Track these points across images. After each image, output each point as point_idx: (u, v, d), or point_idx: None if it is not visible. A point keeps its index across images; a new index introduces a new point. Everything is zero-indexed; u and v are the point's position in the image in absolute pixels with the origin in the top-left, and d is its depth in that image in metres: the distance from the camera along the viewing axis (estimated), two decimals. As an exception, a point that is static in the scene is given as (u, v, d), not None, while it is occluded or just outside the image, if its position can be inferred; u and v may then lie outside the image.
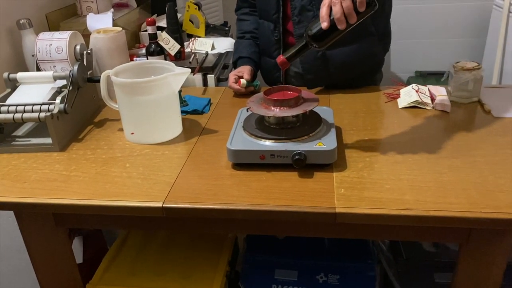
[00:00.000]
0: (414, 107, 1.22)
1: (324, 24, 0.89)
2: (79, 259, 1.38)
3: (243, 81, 1.34)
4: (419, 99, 1.21)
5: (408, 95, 1.25)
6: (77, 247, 1.40)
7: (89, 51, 1.27)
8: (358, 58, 1.33)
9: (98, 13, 1.69)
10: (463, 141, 1.03)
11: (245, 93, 1.37)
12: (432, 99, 1.23)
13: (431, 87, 1.27)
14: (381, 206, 0.82)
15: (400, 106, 1.23)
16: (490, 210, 0.79)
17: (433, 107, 1.21)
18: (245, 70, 1.39)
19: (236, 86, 1.36)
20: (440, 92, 1.24)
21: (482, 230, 0.86)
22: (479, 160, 0.95)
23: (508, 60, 2.31)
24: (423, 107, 1.21)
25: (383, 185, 0.88)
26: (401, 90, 1.29)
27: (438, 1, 2.59)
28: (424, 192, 0.85)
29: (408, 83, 2.62)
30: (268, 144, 0.96)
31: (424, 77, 2.70)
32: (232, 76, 1.38)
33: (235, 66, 1.48)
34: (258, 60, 1.47)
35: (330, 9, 0.88)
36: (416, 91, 1.24)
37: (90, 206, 0.89)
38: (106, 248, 1.50)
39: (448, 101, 1.20)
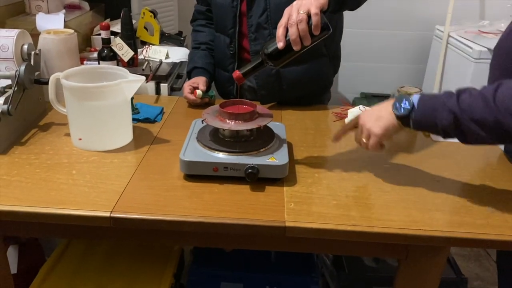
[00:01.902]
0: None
1: (280, 44, 0.92)
2: (13, 269, 1.30)
3: (198, 91, 1.34)
4: (366, 120, 1.27)
5: (355, 115, 1.31)
6: (12, 256, 1.32)
7: (37, 52, 1.22)
8: (309, 77, 1.38)
9: (49, 13, 1.63)
10: (405, 162, 1.09)
11: (200, 104, 1.37)
12: (378, 121, 1.29)
13: (377, 109, 1.34)
14: (329, 221, 0.85)
15: (347, 126, 1.29)
16: (428, 227, 0.84)
17: (378, 128, 1.27)
18: (200, 81, 1.39)
19: (191, 97, 1.35)
20: (385, 114, 1.30)
21: (420, 247, 0.91)
22: (419, 180, 1.01)
23: (446, 86, 2.48)
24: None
25: (331, 201, 0.91)
26: (348, 110, 1.35)
27: (385, 28, 2.74)
28: (368, 209, 0.89)
29: (353, 103, 2.74)
30: (221, 156, 0.96)
31: (369, 99, 2.82)
32: (187, 86, 1.38)
33: (189, 76, 1.48)
34: (213, 71, 1.48)
35: (287, 30, 0.91)
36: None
37: (33, 213, 0.85)
38: (43, 258, 1.43)
39: (392, 123, 1.26)
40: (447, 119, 0.82)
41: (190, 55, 1.52)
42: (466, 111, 0.81)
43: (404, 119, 0.88)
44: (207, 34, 1.50)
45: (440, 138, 1.22)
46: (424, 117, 0.86)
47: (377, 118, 0.92)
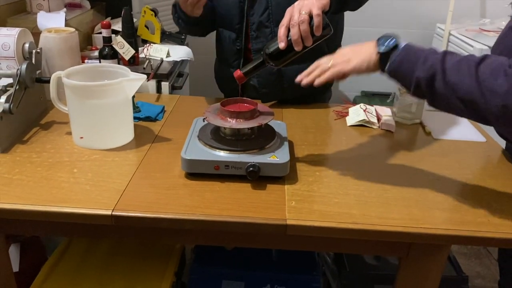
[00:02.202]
0: (361, 125, 1.28)
1: (282, 44, 0.92)
2: (15, 267, 1.31)
3: None
4: (366, 118, 1.27)
5: (356, 114, 1.31)
6: (13, 254, 1.32)
7: (38, 50, 1.22)
8: (311, 76, 1.38)
9: (50, 11, 1.63)
10: (406, 160, 1.09)
11: (201, 106, 1.35)
12: (378, 119, 1.29)
13: (378, 108, 1.34)
14: (330, 219, 0.85)
15: (348, 124, 1.29)
16: (428, 226, 0.84)
17: (379, 127, 1.27)
18: None
19: None
20: (386, 113, 1.30)
21: (421, 245, 0.91)
22: (420, 178, 1.01)
23: (446, 86, 2.47)
24: (370, 126, 1.27)
25: (332, 199, 0.91)
26: (349, 109, 1.35)
27: (386, 26, 2.73)
28: (369, 207, 0.89)
29: (354, 102, 2.73)
30: (222, 154, 0.96)
31: (369, 97, 2.82)
32: None
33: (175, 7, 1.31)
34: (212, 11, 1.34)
35: (288, 30, 0.92)
36: (364, 111, 1.31)
37: (35, 211, 0.85)
38: (45, 257, 1.43)
39: (393, 122, 1.26)
40: (425, 72, 0.80)
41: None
42: (446, 72, 0.79)
43: (383, 57, 0.85)
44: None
45: (440, 135, 1.23)
46: (403, 62, 0.83)
47: (357, 49, 0.90)
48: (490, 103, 0.75)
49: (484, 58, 0.79)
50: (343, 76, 0.91)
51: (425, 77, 0.81)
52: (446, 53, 0.82)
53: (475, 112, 0.79)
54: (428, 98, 0.83)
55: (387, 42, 0.86)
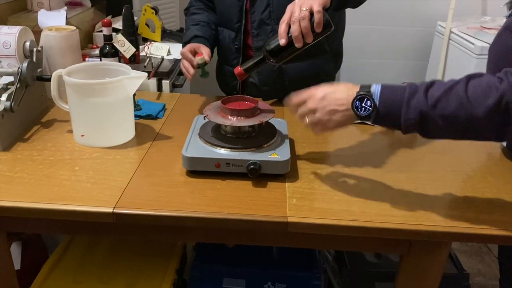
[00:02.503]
0: (362, 123, 1.27)
1: (282, 41, 0.92)
2: (17, 265, 1.31)
3: (201, 57, 1.20)
4: (368, 116, 1.27)
5: (357, 111, 1.31)
6: (15, 252, 1.33)
7: (39, 49, 1.22)
8: (312, 74, 1.38)
9: (51, 10, 1.63)
10: (407, 158, 1.09)
11: (202, 105, 1.34)
12: (379, 117, 1.29)
13: (379, 105, 1.34)
14: (331, 217, 0.85)
15: (349, 122, 1.29)
16: (429, 223, 0.85)
17: (380, 124, 1.27)
18: (204, 51, 1.24)
19: (190, 56, 1.22)
20: (387, 110, 1.30)
21: (422, 242, 0.91)
22: (421, 176, 1.01)
23: (447, 83, 2.47)
24: (371, 123, 1.27)
25: (332, 197, 0.92)
26: (351, 106, 1.35)
27: (386, 24, 2.73)
28: (370, 205, 0.89)
29: (355, 99, 2.73)
30: (223, 152, 0.97)
31: (371, 95, 2.82)
32: (188, 46, 1.24)
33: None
34: (215, 44, 1.37)
35: (289, 27, 0.92)
36: (365, 108, 1.30)
37: (36, 209, 0.85)
38: (46, 255, 1.43)
39: (394, 119, 1.26)
40: (413, 117, 0.78)
41: (186, 27, 1.38)
42: (436, 107, 0.76)
43: (365, 118, 0.82)
44: (206, 15, 1.40)
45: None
46: (386, 115, 0.80)
47: (332, 111, 0.84)
48: (494, 122, 0.74)
49: (468, 79, 0.76)
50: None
51: (414, 121, 0.78)
52: (427, 87, 0.78)
53: (475, 137, 0.78)
54: (422, 134, 0.81)
55: (364, 105, 0.81)
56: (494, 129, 0.75)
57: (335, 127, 0.86)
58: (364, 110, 0.81)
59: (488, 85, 0.75)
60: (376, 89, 0.82)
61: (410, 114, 0.78)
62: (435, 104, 0.76)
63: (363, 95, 0.81)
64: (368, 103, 0.81)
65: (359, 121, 0.85)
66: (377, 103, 0.80)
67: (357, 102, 0.82)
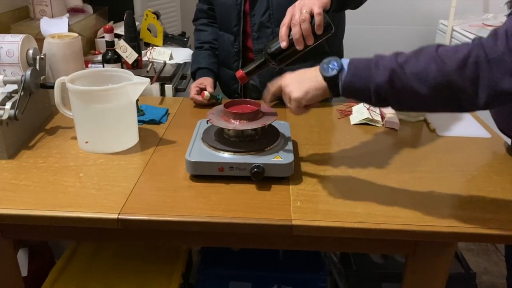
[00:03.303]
0: (365, 124, 1.28)
1: (283, 44, 0.92)
2: (24, 271, 1.31)
3: (206, 93, 1.34)
4: (370, 117, 1.27)
5: (359, 112, 1.31)
6: (22, 259, 1.33)
7: (42, 56, 1.23)
8: (313, 75, 1.38)
9: (53, 17, 1.64)
10: (411, 158, 1.09)
11: (206, 104, 1.37)
12: (382, 117, 1.29)
13: (382, 106, 1.34)
14: (335, 219, 0.85)
15: (352, 123, 1.29)
16: (434, 223, 0.84)
17: (383, 125, 1.27)
18: (207, 82, 1.39)
19: (198, 98, 1.35)
20: (390, 111, 1.30)
21: (428, 242, 0.91)
22: (425, 176, 1.01)
23: (450, 82, 2.46)
24: (374, 124, 1.27)
25: (337, 199, 0.91)
26: (353, 108, 1.35)
27: (388, 23, 2.73)
28: (375, 206, 0.89)
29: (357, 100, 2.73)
30: (227, 156, 0.97)
31: (373, 95, 2.82)
32: (194, 87, 1.38)
33: (193, 76, 1.48)
34: (217, 70, 1.48)
35: (290, 29, 0.92)
36: (367, 109, 1.30)
37: (42, 216, 0.86)
38: (53, 261, 1.44)
39: (397, 119, 1.26)
40: (382, 76, 0.75)
41: (193, 56, 1.52)
42: (406, 65, 0.74)
43: (332, 81, 0.81)
44: (209, 33, 1.51)
45: (445, 132, 1.22)
46: (355, 77, 0.79)
47: (300, 80, 0.86)
48: (465, 76, 0.71)
49: (437, 46, 0.75)
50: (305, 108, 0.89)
51: (383, 80, 0.76)
52: (396, 53, 0.78)
53: (449, 97, 0.74)
54: (392, 101, 0.78)
55: (330, 66, 0.82)
56: (469, 84, 0.72)
57: (301, 96, 0.86)
58: (331, 70, 0.81)
59: (457, 45, 0.74)
60: (344, 59, 0.82)
61: (379, 75, 0.76)
62: (405, 61, 0.75)
63: (330, 58, 0.82)
64: (335, 64, 0.81)
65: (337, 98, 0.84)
66: (345, 65, 0.80)
67: (324, 64, 0.82)
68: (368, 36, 2.73)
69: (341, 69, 0.81)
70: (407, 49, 0.79)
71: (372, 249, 1.08)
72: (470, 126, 1.28)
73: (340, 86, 0.81)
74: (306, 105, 0.88)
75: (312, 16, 0.91)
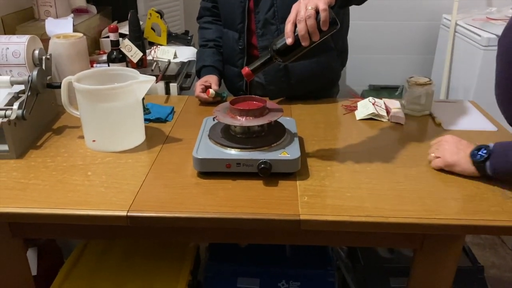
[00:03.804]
0: (371, 119, 1.28)
1: (289, 40, 0.92)
2: (33, 271, 1.32)
3: (211, 91, 1.34)
4: (376, 112, 1.27)
5: (365, 107, 1.31)
6: (31, 258, 1.34)
7: (48, 56, 1.24)
8: (318, 71, 1.38)
9: (57, 17, 1.65)
10: (417, 152, 1.09)
11: (211, 102, 1.37)
12: (388, 112, 1.29)
13: (386, 101, 1.34)
14: (343, 213, 0.85)
15: (357, 118, 1.29)
16: (442, 216, 0.84)
17: (388, 119, 1.27)
18: (212, 80, 1.39)
19: (204, 96, 1.36)
20: (395, 105, 1.30)
21: (435, 236, 0.91)
22: (432, 169, 1.01)
23: (455, 76, 2.46)
24: (379, 119, 1.27)
25: (344, 193, 0.92)
26: (358, 103, 1.35)
27: (391, 19, 2.72)
28: (382, 200, 0.89)
29: (362, 96, 2.73)
30: (234, 153, 0.97)
31: (377, 91, 2.81)
32: (199, 85, 1.38)
33: (198, 75, 1.48)
34: (222, 68, 1.48)
35: (295, 26, 0.92)
36: (373, 104, 1.30)
37: (51, 215, 0.86)
38: (62, 260, 1.45)
39: (402, 114, 1.26)
40: None
41: (198, 54, 1.53)
42: None
43: (480, 165, 0.93)
44: (214, 31, 1.51)
45: (451, 126, 1.22)
46: (500, 165, 0.90)
47: (458, 150, 0.97)
48: None
49: None
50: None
51: None
52: None
53: None
54: None
55: (480, 153, 0.93)
56: None
57: (452, 169, 0.98)
58: (480, 157, 0.93)
59: None
60: (491, 145, 0.93)
61: None
62: None
63: (481, 146, 0.94)
64: (485, 151, 0.92)
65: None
66: (492, 154, 0.91)
67: (475, 150, 0.94)
68: (371, 31, 2.73)
69: (489, 155, 0.91)
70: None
71: (380, 243, 1.08)
72: (476, 119, 1.28)
73: (489, 170, 0.92)
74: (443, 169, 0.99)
75: (317, 12, 0.91)
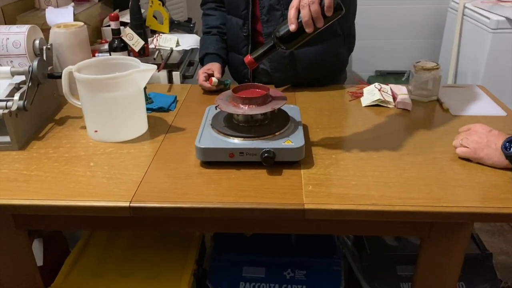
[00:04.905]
0: (377, 105, 1.25)
1: (292, 27, 0.90)
2: (39, 261, 1.33)
3: (214, 79, 1.33)
4: (382, 98, 1.25)
5: (371, 94, 1.29)
6: (37, 249, 1.35)
7: (49, 46, 1.22)
8: (324, 58, 1.36)
9: (58, 7, 1.63)
10: (424, 139, 1.07)
11: (215, 90, 1.36)
12: (394, 98, 1.26)
13: (393, 86, 1.31)
14: (349, 202, 0.84)
15: (363, 105, 1.27)
16: (450, 204, 0.83)
17: (395, 106, 1.25)
18: (215, 68, 1.37)
19: (207, 85, 1.34)
20: (402, 91, 1.28)
21: (443, 224, 0.89)
22: (439, 156, 0.99)
23: (463, 60, 2.42)
24: (386, 105, 1.25)
25: (350, 182, 0.90)
26: (364, 89, 1.33)
27: (397, 3, 2.67)
28: (388, 188, 0.88)
29: (368, 82, 2.70)
30: (237, 142, 0.96)
31: (384, 76, 2.78)
32: (201, 73, 1.36)
33: (201, 62, 1.46)
34: (226, 56, 1.46)
35: (298, 12, 0.89)
36: (379, 90, 1.28)
37: (54, 206, 0.86)
38: (68, 250, 1.45)
39: (409, 100, 1.24)
40: None
41: (201, 41, 1.51)
42: None
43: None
44: (217, 18, 1.48)
45: (459, 111, 1.20)
46: None
47: (490, 142, 0.93)
48: None
49: None
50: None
51: None
52: None
53: None
54: None
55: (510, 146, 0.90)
56: None
57: (481, 160, 0.95)
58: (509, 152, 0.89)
59: None
60: None
61: None
62: None
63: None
64: None
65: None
66: None
67: (507, 143, 0.90)
68: (378, 15, 2.69)
69: None
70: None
71: (386, 232, 1.07)
72: (485, 104, 1.26)
73: None
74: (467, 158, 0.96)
75: None
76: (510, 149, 0.89)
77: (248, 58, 0.96)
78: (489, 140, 0.94)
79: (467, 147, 0.96)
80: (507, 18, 2.03)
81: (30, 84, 1.10)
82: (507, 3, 2.23)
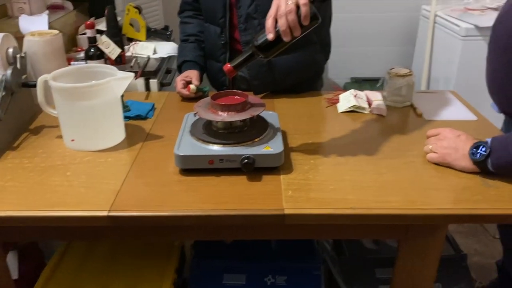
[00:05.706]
0: (353, 111, 1.28)
1: (270, 36, 0.91)
2: (14, 274, 1.29)
3: (192, 86, 1.33)
4: (357, 104, 1.27)
5: (347, 100, 1.31)
6: (12, 262, 1.31)
7: (23, 55, 1.20)
8: (301, 65, 1.37)
9: (32, 14, 1.60)
10: (399, 143, 1.09)
11: (193, 98, 1.36)
12: (369, 104, 1.29)
13: (368, 93, 1.34)
14: (327, 206, 0.85)
15: (339, 111, 1.29)
16: (425, 206, 0.85)
17: (370, 111, 1.27)
18: (193, 75, 1.38)
19: (185, 92, 1.34)
20: (376, 97, 1.31)
21: (419, 226, 0.92)
22: (414, 160, 1.01)
23: (435, 67, 2.48)
24: (361, 111, 1.27)
25: (328, 186, 0.92)
26: (340, 96, 1.35)
27: (371, 11, 2.73)
28: (365, 192, 0.90)
29: (344, 88, 2.74)
30: (216, 148, 0.96)
31: (359, 83, 2.83)
32: (179, 81, 1.36)
33: (179, 69, 1.46)
34: (204, 63, 1.47)
35: (276, 21, 0.91)
36: (354, 96, 1.31)
37: (30, 217, 0.84)
38: (44, 262, 1.42)
39: (384, 106, 1.27)
40: None
41: (179, 48, 1.51)
42: None
43: (481, 163, 0.92)
44: (195, 26, 1.49)
45: (432, 116, 1.23)
46: (502, 161, 0.89)
47: (458, 148, 0.96)
48: None
49: None
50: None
51: None
52: None
53: None
54: None
55: (479, 151, 0.92)
56: None
57: (449, 165, 0.97)
58: (480, 155, 0.92)
59: None
60: (489, 141, 0.92)
61: None
62: None
63: (479, 143, 0.93)
64: (484, 149, 0.91)
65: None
66: (491, 151, 0.90)
67: (473, 149, 0.93)
68: (352, 24, 2.74)
69: (489, 152, 0.90)
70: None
71: (364, 235, 1.08)
72: (457, 109, 1.29)
73: (491, 167, 0.91)
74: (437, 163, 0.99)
75: (298, 7, 0.90)
76: (477, 155, 0.92)
77: (227, 67, 0.97)
78: (457, 146, 0.96)
79: (437, 153, 0.98)
80: (476, 26, 2.10)
81: (3, 93, 1.08)
82: (476, 11, 2.31)
